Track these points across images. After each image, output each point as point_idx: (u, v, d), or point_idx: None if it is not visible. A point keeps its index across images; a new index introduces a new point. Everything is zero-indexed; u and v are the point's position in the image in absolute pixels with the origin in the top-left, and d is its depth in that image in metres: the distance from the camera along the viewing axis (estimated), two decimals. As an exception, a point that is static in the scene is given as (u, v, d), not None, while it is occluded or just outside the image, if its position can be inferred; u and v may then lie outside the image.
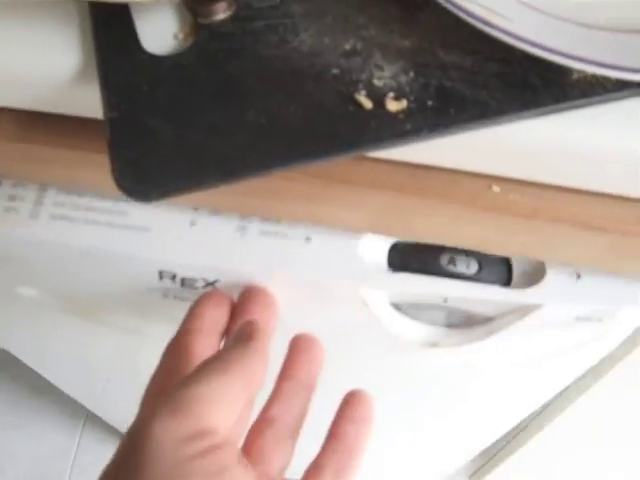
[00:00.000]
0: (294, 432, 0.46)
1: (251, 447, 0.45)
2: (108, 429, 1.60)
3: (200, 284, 0.57)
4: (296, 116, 0.41)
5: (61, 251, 0.57)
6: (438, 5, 0.42)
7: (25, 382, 1.73)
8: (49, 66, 0.45)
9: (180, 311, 0.52)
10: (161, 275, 0.57)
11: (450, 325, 0.60)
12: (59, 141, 0.50)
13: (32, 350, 1.02)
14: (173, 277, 0.57)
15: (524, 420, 0.97)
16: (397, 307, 0.58)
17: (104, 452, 1.65)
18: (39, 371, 1.12)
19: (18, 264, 0.61)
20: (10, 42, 0.46)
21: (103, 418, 1.41)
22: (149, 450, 0.36)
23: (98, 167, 0.48)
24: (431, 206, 0.48)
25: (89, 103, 0.46)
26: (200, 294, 0.53)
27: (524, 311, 0.56)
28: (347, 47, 0.43)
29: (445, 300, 0.55)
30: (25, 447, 1.68)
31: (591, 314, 0.55)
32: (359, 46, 0.43)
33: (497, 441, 1.08)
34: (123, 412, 1.33)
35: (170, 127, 0.40)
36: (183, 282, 0.57)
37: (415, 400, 0.85)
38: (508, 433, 1.04)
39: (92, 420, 1.68)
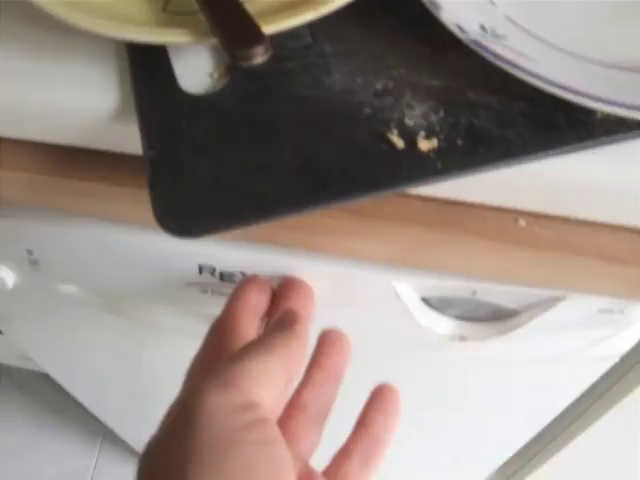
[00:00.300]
0: (323, 418, 0.49)
1: (283, 428, 0.47)
2: (125, 449, 1.61)
3: (238, 278, 0.58)
4: (331, 155, 0.42)
5: (103, 245, 0.59)
6: (465, 45, 0.43)
7: (44, 402, 1.73)
8: (88, 103, 0.46)
9: (218, 306, 0.53)
10: (201, 269, 0.58)
11: (477, 320, 0.61)
12: (94, 175, 0.51)
13: (60, 364, 1.04)
14: (212, 271, 0.58)
15: (550, 432, 0.97)
16: (427, 303, 0.59)
17: (121, 472, 1.66)
18: (64, 385, 1.13)
19: (61, 260, 0.62)
20: (50, 80, 0.47)
21: (122, 437, 1.42)
22: (201, 421, 0.37)
23: (133, 201, 0.50)
24: (459, 240, 0.49)
25: (125, 139, 0.47)
26: (243, 279, 0.55)
27: (549, 303, 0.57)
28: (379, 87, 0.45)
29: (474, 292, 0.56)
30: (43, 467, 1.69)
31: (613, 306, 0.56)
32: (390, 86, 0.45)
33: (523, 453, 1.08)
34: (143, 432, 1.34)
35: (209, 166, 0.42)
36: (222, 276, 0.59)
37: (438, 401, 0.86)
38: (533, 445, 1.03)
39: (110, 440, 1.69)
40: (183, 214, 0.40)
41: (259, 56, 0.40)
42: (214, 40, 0.43)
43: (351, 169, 0.42)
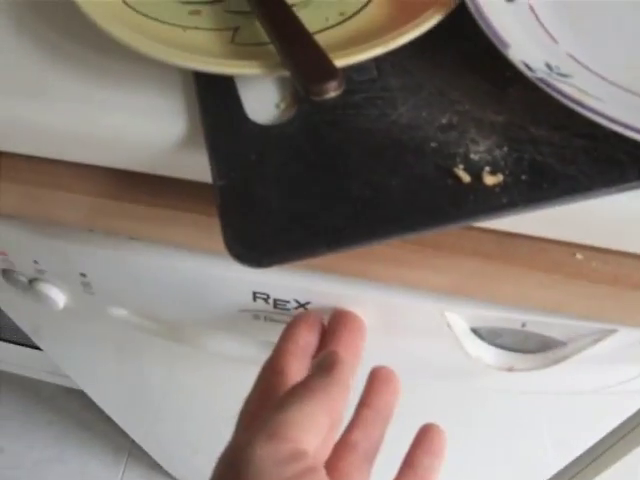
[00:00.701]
0: (372, 456, 0.49)
1: (333, 469, 0.47)
2: (151, 466, 1.61)
3: (292, 305, 0.59)
4: (398, 188, 0.42)
5: (158, 270, 0.59)
6: (526, 80, 0.44)
7: (71, 417, 1.74)
8: (155, 130, 0.47)
9: (269, 332, 0.53)
10: (255, 296, 0.59)
11: (525, 351, 0.61)
12: (156, 200, 0.52)
13: (98, 382, 1.04)
14: (266, 298, 0.59)
15: (582, 461, 0.97)
16: (476, 333, 0.60)
17: (146, 489, 1.67)
18: (98, 402, 1.13)
19: (114, 284, 0.63)
20: (118, 107, 0.48)
21: (149, 452, 1.42)
22: (251, 473, 0.38)
23: (193, 227, 0.51)
24: (515, 272, 0.49)
25: (190, 167, 0.48)
26: (293, 316, 0.56)
27: (598, 335, 0.57)
28: (444, 121, 0.45)
29: (524, 324, 0.56)
30: (68, 481, 1.70)
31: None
32: (455, 120, 0.45)
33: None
34: (171, 449, 1.35)
35: (278, 196, 0.42)
36: (276, 303, 0.59)
37: (472, 428, 0.86)
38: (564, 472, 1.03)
39: (135, 456, 1.69)
40: (253, 244, 0.41)
41: (332, 91, 0.41)
42: (284, 72, 0.44)
43: (418, 202, 0.42)
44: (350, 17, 0.49)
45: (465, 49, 0.49)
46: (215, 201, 0.43)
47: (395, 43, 0.45)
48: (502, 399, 0.74)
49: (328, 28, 0.48)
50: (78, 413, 1.71)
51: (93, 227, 0.56)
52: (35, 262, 0.62)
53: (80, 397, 1.22)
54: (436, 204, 0.42)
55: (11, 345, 1.42)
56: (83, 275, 0.61)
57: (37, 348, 1.32)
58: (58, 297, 0.65)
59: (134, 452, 1.65)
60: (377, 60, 0.47)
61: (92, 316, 0.70)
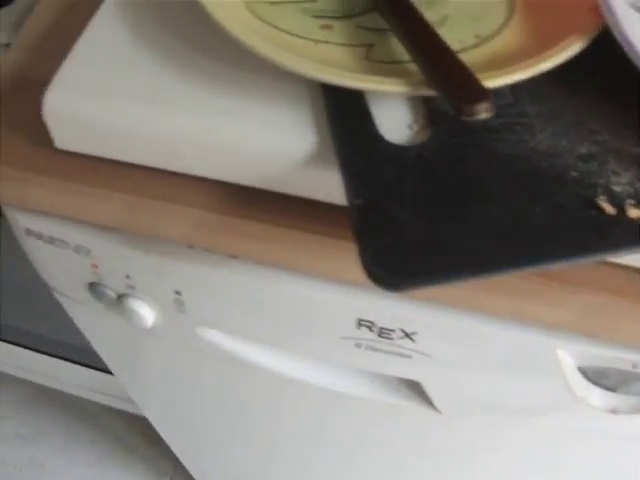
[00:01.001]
0: None
1: None
2: (191, 490, 1.59)
3: (397, 335, 0.57)
4: (541, 217, 0.41)
5: (258, 292, 0.58)
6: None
7: (113, 438, 1.72)
8: (279, 146, 0.46)
9: (368, 362, 0.51)
10: (359, 323, 0.57)
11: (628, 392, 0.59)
12: (267, 218, 0.51)
13: (165, 410, 1.03)
14: (371, 326, 0.57)
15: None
16: (582, 372, 0.58)
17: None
18: (160, 431, 1.11)
19: (209, 304, 0.62)
20: (241, 117, 0.47)
21: (194, 476, 1.40)
22: None
23: (305, 248, 0.50)
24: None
25: (314, 185, 0.47)
26: None
27: None
28: (583, 151, 0.44)
29: (635, 365, 0.54)
30: (107, 503, 1.67)
31: None
32: (594, 150, 0.44)
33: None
34: (212, 469, 1.32)
35: (418, 219, 0.41)
36: (381, 332, 0.57)
37: (550, 466, 0.84)
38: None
39: (176, 480, 1.67)
40: (392, 266, 0.40)
41: (484, 112, 0.40)
42: (428, 91, 0.43)
43: (563, 232, 0.41)
44: (485, 40, 0.48)
45: (601, 78, 0.48)
46: (350, 221, 0.41)
47: (539, 68, 0.44)
48: (594, 442, 0.72)
49: (464, 50, 0.47)
50: (122, 434, 1.69)
51: (197, 242, 0.54)
52: (127, 277, 0.61)
53: (124, 418, 1.20)
54: (581, 235, 0.41)
55: (72, 364, 1.38)
56: (177, 293, 0.60)
57: (95, 368, 1.29)
58: (147, 314, 0.64)
59: (176, 477, 1.63)
60: (512, 86, 0.45)
61: (178, 337, 0.68)
